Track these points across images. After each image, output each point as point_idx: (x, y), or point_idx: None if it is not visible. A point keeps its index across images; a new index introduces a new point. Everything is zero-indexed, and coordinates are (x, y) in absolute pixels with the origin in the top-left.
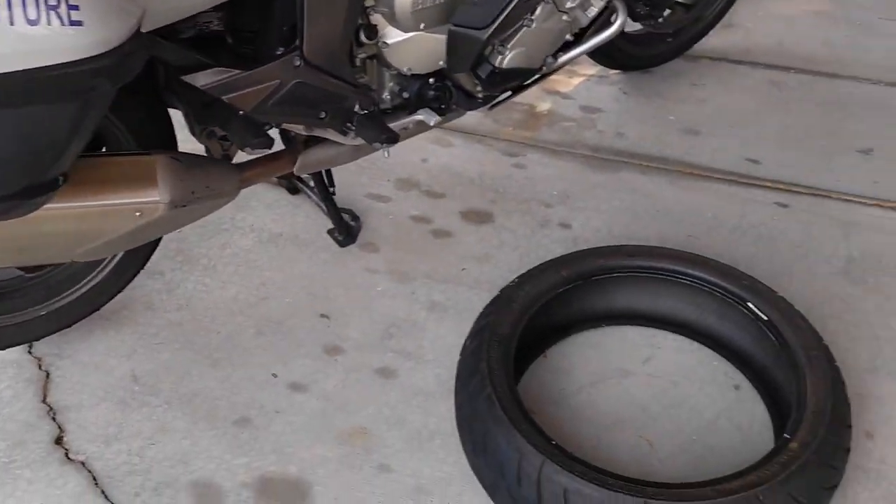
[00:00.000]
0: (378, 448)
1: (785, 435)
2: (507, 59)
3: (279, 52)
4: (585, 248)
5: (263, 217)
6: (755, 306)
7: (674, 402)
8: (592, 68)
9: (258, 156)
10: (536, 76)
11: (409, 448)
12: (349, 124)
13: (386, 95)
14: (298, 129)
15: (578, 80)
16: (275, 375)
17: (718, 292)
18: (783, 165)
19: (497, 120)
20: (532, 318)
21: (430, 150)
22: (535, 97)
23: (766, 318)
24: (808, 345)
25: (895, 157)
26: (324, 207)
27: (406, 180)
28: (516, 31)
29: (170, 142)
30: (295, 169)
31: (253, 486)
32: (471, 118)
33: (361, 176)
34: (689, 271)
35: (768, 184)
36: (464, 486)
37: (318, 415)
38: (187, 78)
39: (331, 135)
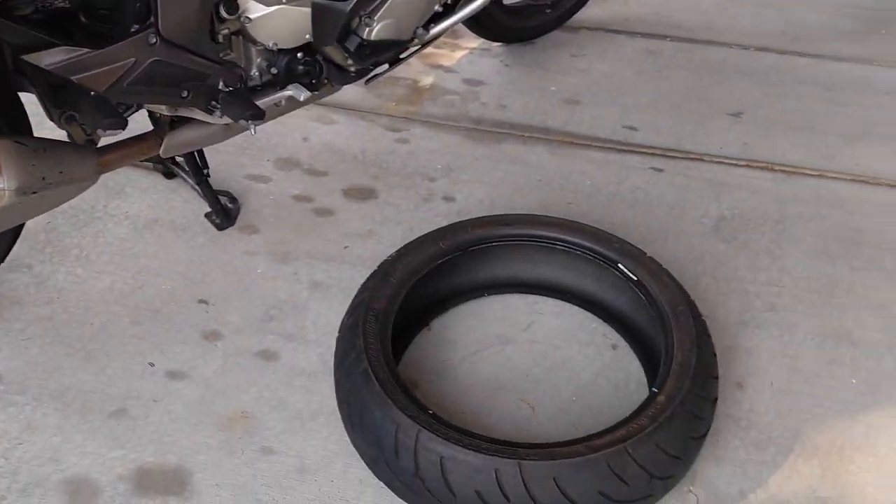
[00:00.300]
0: (260, 431)
1: (653, 389)
2: (375, 30)
3: (133, 30)
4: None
5: (138, 203)
6: (625, 267)
7: (554, 365)
8: (474, 41)
9: (121, 139)
10: (411, 49)
11: (292, 429)
12: (214, 102)
13: (254, 72)
14: (161, 109)
15: (461, 53)
16: (152, 364)
17: (591, 256)
18: (659, 131)
19: (380, 95)
20: (411, 291)
21: (312, 129)
22: (418, 71)
23: (635, 278)
24: (673, 301)
25: (764, 119)
26: (199, 191)
27: (287, 159)
28: (383, 2)
29: (22, 127)
30: (161, 151)
31: (130, 478)
32: (353, 94)
33: (241, 157)
34: (564, 237)
35: (645, 149)
36: (348, 463)
37: (198, 402)
38: (30, 58)
39: (197, 114)
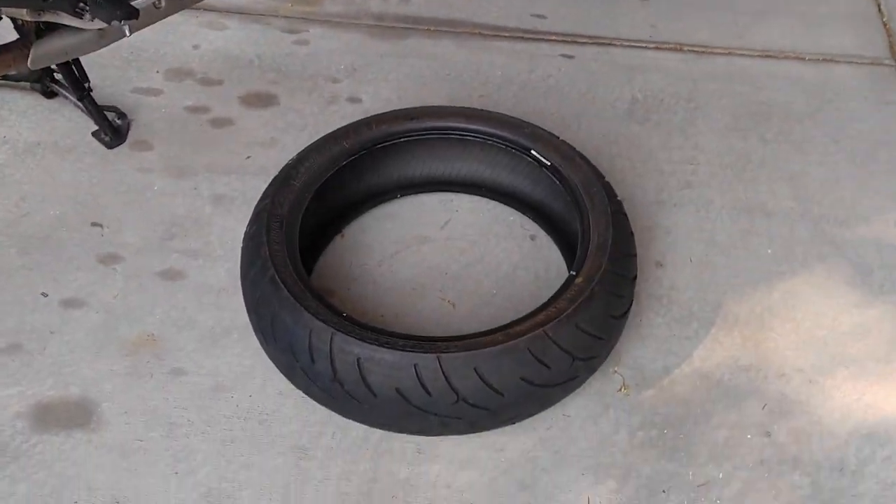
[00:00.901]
0: (169, 353)
1: (571, 272)
2: None
3: None
4: None
5: (17, 126)
6: (538, 153)
7: (472, 260)
8: None
9: None
10: None
11: (204, 347)
12: (82, 4)
13: None
14: (22, 14)
15: None
16: (45, 295)
17: (503, 144)
18: (567, 18)
19: None
20: (317, 194)
21: (203, 35)
22: None
23: (548, 163)
24: (587, 183)
25: (671, 1)
26: (83, 107)
27: (178, 70)
28: None
29: None
30: (28, 62)
31: (28, 414)
32: None
33: (127, 70)
34: (473, 126)
35: (554, 37)
36: (266, 377)
37: (99, 328)
38: None
39: (65, 19)
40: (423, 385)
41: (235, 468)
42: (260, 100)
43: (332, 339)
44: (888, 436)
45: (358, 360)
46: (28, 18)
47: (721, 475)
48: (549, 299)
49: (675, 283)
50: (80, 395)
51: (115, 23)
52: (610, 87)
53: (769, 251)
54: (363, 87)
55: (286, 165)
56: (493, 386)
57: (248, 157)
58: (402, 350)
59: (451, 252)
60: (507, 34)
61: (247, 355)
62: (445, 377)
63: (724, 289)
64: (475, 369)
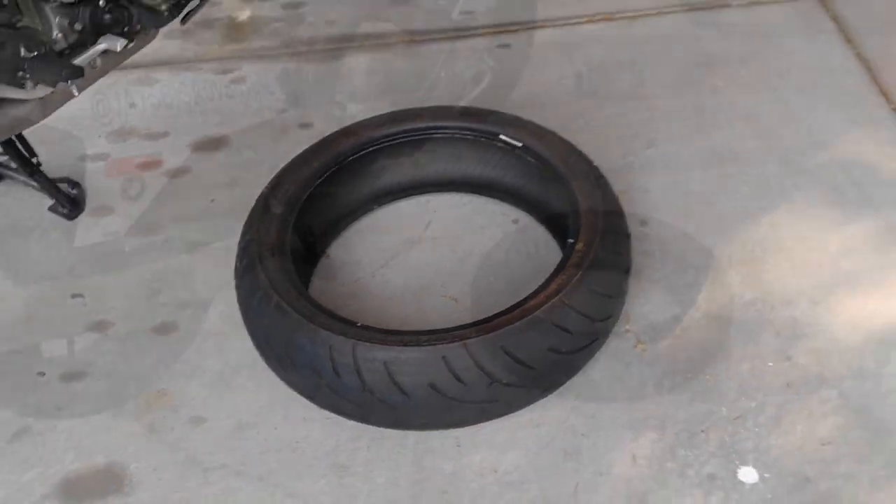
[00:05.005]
0: (184, 403)
1: (569, 241)
2: None
3: None
4: None
5: None
6: (507, 137)
7: (463, 254)
8: None
9: None
10: None
11: (217, 392)
12: (21, 73)
13: (56, 33)
14: None
15: None
16: (42, 374)
17: (470, 134)
18: (496, 10)
19: (200, 42)
20: (299, 217)
21: (136, 93)
22: (232, 7)
23: (520, 144)
24: (564, 155)
25: None
26: (34, 184)
27: (119, 130)
28: None
29: None
30: None
31: (56, 493)
32: (170, 48)
33: (68, 142)
34: (438, 124)
35: (488, 30)
36: (286, 406)
37: (107, 395)
38: None
39: (7, 92)
40: (455, 375)
41: (280, 498)
42: (211, 143)
43: (354, 349)
44: None
45: (385, 364)
46: None
47: (754, 405)
48: (554, 271)
49: (663, 237)
50: (105, 462)
51: (61, 85)
52: (552, 68)
53: (746, 190)
54: (311, 111)
55: (261, 195)
56: (523, 361)
57: (213, 201)
58: (427, 345)
59: (441, 250)
60: (440, 36)
61: (262, 389)
62: (476, 363)
63: (711, 233)
64: (503, 348)
